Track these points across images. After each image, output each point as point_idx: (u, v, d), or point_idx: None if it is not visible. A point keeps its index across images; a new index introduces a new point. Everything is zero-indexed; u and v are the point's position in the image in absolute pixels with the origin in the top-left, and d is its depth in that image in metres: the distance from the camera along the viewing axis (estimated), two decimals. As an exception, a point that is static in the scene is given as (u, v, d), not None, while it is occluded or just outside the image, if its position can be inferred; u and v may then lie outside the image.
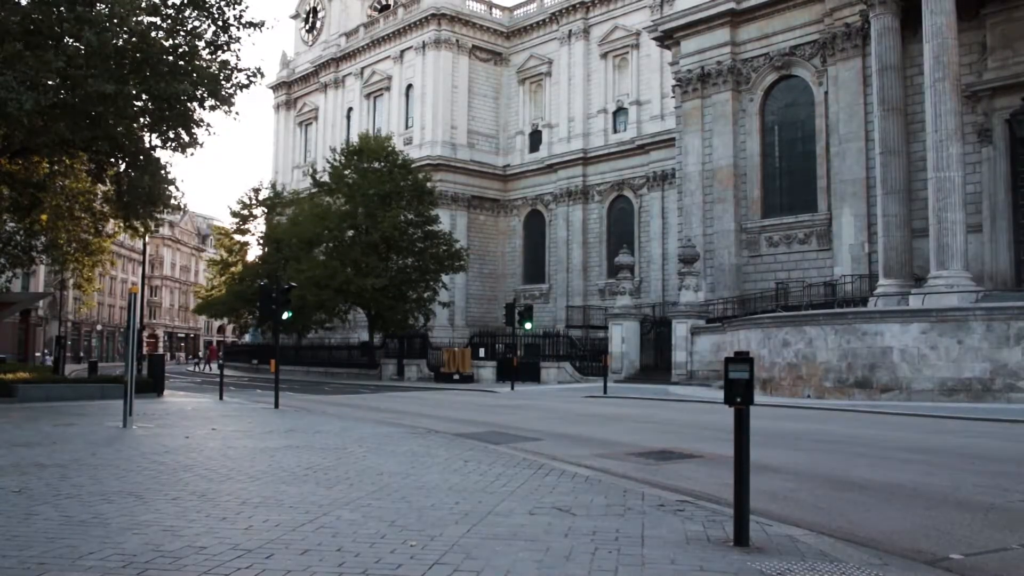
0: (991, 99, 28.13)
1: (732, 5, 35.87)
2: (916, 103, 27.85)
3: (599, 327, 42.00)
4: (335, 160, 45.28)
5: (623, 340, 35.54)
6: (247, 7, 19.46)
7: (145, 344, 60.70)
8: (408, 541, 5.65)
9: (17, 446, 11.25)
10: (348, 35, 63.53)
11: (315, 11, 68.84)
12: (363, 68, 61.51)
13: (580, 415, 19.23)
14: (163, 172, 21.25)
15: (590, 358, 39.10)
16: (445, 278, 45.53)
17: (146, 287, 74.27)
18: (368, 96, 61.17)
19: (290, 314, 22.83)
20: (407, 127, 57.02)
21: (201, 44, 19.31)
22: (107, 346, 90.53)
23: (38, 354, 51.57)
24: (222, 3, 19.10)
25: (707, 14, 36.65)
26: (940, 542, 6.13)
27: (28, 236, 25.32)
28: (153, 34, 18.40)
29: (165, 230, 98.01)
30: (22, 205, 22.39)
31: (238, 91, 19.83)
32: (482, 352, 40.44)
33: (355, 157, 43.99)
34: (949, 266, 24.04)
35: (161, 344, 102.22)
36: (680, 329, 32.33)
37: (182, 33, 19.00)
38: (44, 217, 23.76)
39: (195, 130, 20.07)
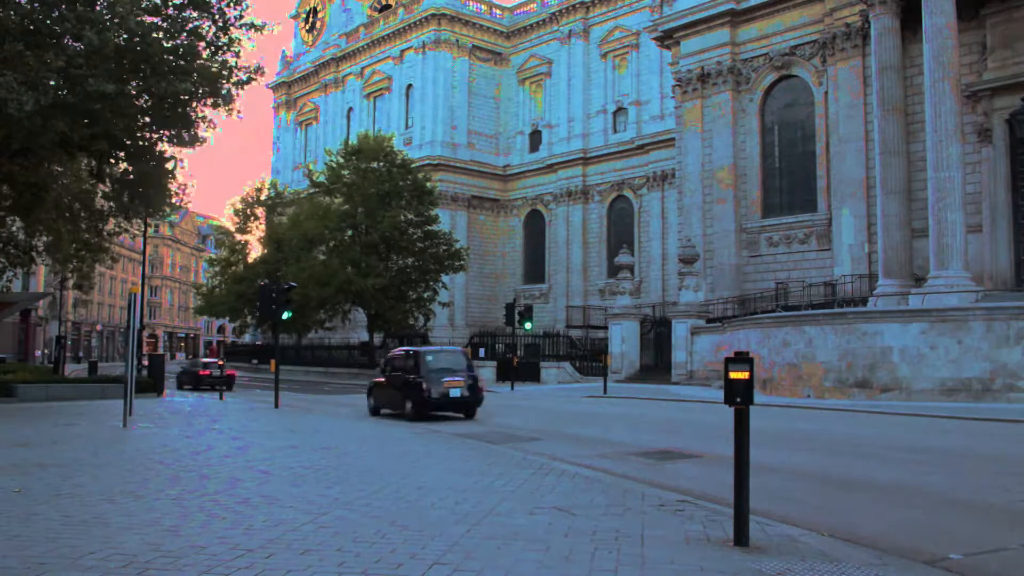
0: (991, 99, 28.11)
1: (732, 5, 35.87)
2: (916, 103, 27.84)
3: (599, 327, 42.00)
4: (333, 160, 45.31)
5: (623, 340, 35.53)
6: (247, 7, 19.46)
7: (145, 344, 60.67)
8: (408, 541, 5.65)
9: (17, 446, 11.26)
10: (348, 35, 63.55)
11: (315, 11, 68.86)
12: (363, 68, 61.55)
13: (580, 415, 19.24)
14: (164, 171, 21.25)
15: (590, 358, 39.08)
16: (445, 278, 45.53)
17: (146, 287, 74.22)
18: (368, 96, 61.20)
19: (290, 314, 22.82)
20: (407, 127, 57.05)
21: (202, 45, 19.29)
22: (107, 346, 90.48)
23: (38, 354, 51.57)
24: (222, 4, 19.10)
25: (707, 14, 36.64)
26: (940, 542, 6.13)
27: (28, 236, 25.30)
28: (153, 34, 18.38)
29: (165, 230, 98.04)
30: (22, 205, 22.37)
31: (238, 88, 19.81)
32: (482, 352, 40.40)
33: (354, 157, 44.01)
34: (949, 266, 24.03)
35: (161, 344, 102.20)
36: (680, 329, 32.32)
37: (183, 33, 18.98)
38: (45, 217, 23.72)
39: (196, 129, 20.06)
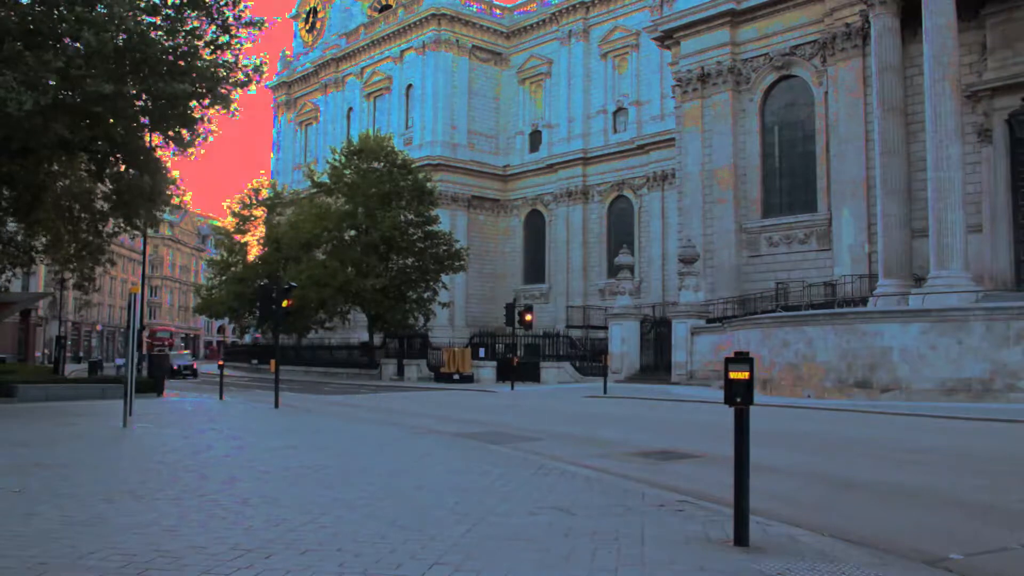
0: (991, 99, 28.11)
1: (732, 5, 35.86)
2: (916, 103, 27.83)
3: (599, 327, 41.99)
4: (334, 159, 45.32)
5: (623, 340, 35.51)
6: (246, 7, 19.44)
7: (145, 344, 60.55)
8: (408, 541, 5.64)
9: (17, 446, 11.24)
10: (348, 35, 63.54)
11: (315, 11, 68.86)
12: (363, 68, 61.54)
13: (580, 415, 19.23)
14: (163, 171, 21.25)
15: (590, 358, 39.08)
16: (445, 278, 45.55)
17: (146, 287, 74.12)
18: (368, 96, 61.20)
19: (285, 308, 22.73)
20: (407, 127, 57.04)
21: (201, 44, 19.27)
22: (107, 346, 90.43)
23: (38, 354, 51.54)
24: (221, 3, 19.08)
25: (707, 14, 36.64)
26: (940, 542, 6.12)
27: (28, 236, 25.29)
28: (152, 34, 18.37)
29: (165, 230, 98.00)
30: (22, 205, 22.36)
31: (238, 89, 19.79)
32: (482, 352, 40.44)
33: (355, 157, 44.03)
34: (949, 266, 24.04)
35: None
36: (680, 329, 32.31)
37: (182, 33, 18.97)
38: (44, 217, 23.71)
39: (195, 129, 20.05)
